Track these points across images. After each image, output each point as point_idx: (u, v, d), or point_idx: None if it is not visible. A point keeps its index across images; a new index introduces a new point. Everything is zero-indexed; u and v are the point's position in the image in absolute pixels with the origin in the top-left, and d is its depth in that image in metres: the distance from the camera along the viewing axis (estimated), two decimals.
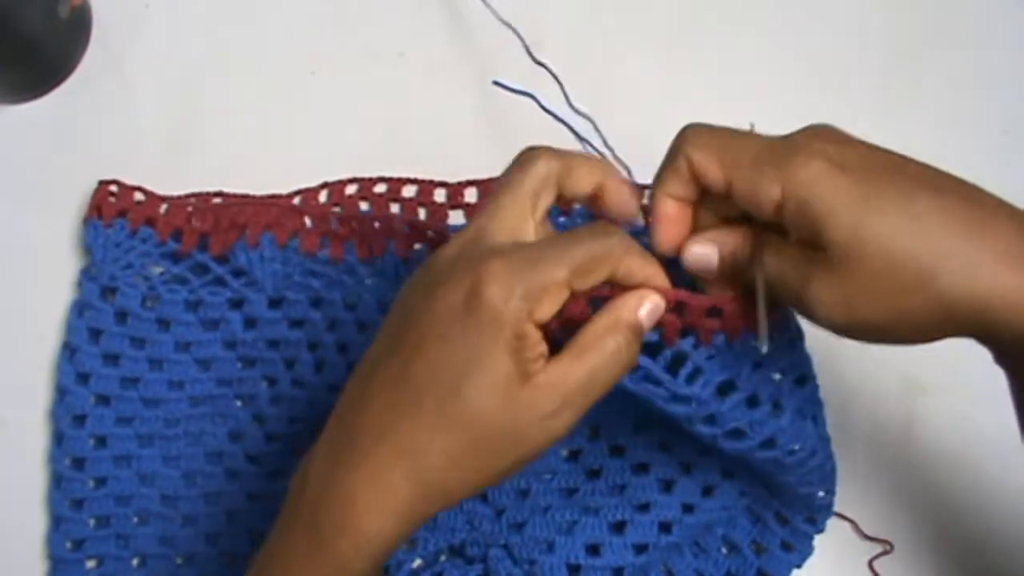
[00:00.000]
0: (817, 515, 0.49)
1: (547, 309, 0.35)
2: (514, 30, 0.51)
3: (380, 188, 0.56)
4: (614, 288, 0.37)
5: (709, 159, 0.37)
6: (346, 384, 0.38)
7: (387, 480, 0.35)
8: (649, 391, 0.40)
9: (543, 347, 0.36)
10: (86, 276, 0.53)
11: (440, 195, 0.56)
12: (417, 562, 0.51)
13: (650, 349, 0.39)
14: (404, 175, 0.56)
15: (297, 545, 0.37)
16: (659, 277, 0.38)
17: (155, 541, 0.52)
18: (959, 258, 0.34)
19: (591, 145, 0.55)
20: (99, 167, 0.55)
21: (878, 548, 0.51)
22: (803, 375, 0.44)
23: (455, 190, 0.56)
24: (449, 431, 0.35)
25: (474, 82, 0.54)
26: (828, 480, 0.47)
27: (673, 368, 0.40)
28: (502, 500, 0.51)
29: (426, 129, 0.57)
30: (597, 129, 0.47)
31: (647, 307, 0.37)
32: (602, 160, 0.38)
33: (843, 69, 0.57)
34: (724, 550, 0.51)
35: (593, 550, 0.50)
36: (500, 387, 0.35)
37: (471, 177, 0.56)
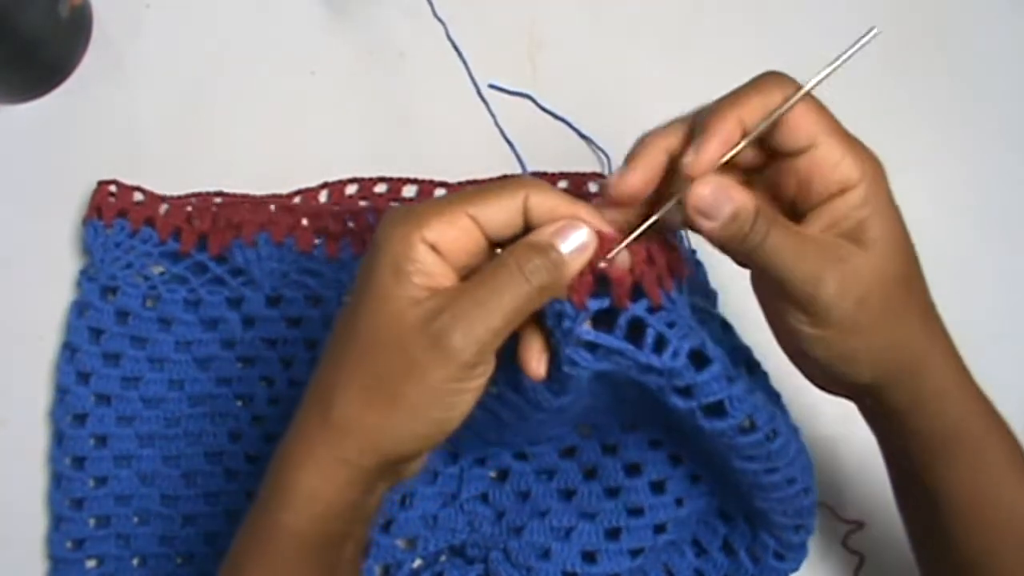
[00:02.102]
0: (805, 521, 0.48)
1: (438, 230, 0.34)
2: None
3: (380, 188, 0.56)
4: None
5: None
6: None
7: (306, 431, 0.36)
8: (618, 363, 0.38)
9: (446, 279, 0.35)
10: (86, 276, 0.53)
11: (440, 195, 0.56)
12: (417, 562, 0.51)
13: (606, 320, 0.37)
14: (404, 175, 0.56)
15: (253, 515, 0.37)
16: (584, 212, 0.36)
17: (155, 541, 0.52)
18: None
19: (592, 142, 0.56)
20: (99, 167, 0.55)
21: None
22: (751, 360, 0.44)
23: (455, 190, 0.56)
24: (349, 363, 0.35)
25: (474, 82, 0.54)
26: (807, 475, 0.46)
27: (634, 338, 0.38)
28: (502, 501, 0.51)
29: (426, 129, 0.57)
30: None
31: (566, 233, 0.36)
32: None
33: (842, 69, 0.57)
34: (723, 551, 0.50)
35: (589, 558, 0.49)
36: (385, 308, 0.34)
37: (471, 177, 0.56)
